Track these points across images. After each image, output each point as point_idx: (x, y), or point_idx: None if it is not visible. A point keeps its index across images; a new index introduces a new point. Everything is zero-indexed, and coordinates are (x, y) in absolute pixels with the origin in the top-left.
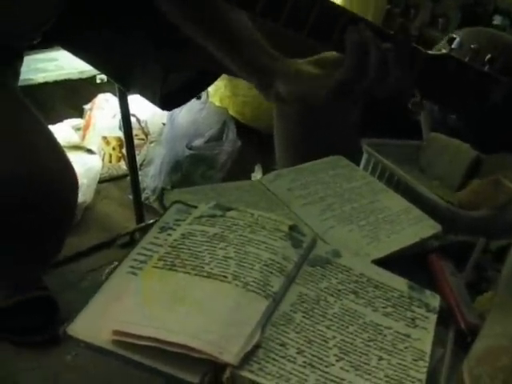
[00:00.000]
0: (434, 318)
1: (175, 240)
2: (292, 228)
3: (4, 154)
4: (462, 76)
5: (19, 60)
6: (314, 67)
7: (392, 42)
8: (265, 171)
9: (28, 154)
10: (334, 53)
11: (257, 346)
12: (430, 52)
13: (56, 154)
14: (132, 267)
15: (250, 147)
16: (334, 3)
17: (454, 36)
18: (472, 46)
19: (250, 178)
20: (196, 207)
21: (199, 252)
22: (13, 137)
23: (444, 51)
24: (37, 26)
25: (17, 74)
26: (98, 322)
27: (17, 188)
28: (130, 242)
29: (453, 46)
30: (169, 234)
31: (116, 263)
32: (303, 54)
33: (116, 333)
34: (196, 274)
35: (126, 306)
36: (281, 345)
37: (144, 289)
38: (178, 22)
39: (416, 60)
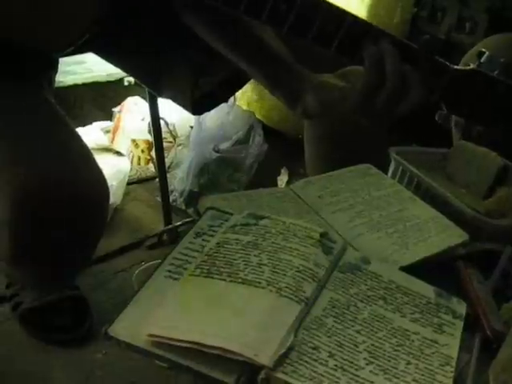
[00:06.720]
0: (460, 324)
1: (211, 249)
2: (323, 235)
3: (39, 161)
4: (491, 91)
5: (54, 68)
6: (340, 80)
7: (415, 59)
8: (291, 174)
9: (62, 163)
10: (360, 67)
11: (290, 349)
12: (457, 67)
13: (88, 163)
14: (169, 271)
15: (276, 150)
16: (362, 20)
17: (483, 50)
18: (502, 60)
19: (276, 181)
20: (229, 213)
21: (234, 260)
22: (46, 145)
23: (472, 66)
24: (74, 39)
25: (51, 82)
26: (138, 324)
27: (51, 193)
28: (158, 243)
29: (482, 61)
30: (204, 240)
31: (144, 264)
32: (329, 69)
33: (156, 336)
34: (231, 281)
35: (166, 312)
36: (313, 348)
37: (182, 295)
38: (208, 41)
39: (442, 76)
